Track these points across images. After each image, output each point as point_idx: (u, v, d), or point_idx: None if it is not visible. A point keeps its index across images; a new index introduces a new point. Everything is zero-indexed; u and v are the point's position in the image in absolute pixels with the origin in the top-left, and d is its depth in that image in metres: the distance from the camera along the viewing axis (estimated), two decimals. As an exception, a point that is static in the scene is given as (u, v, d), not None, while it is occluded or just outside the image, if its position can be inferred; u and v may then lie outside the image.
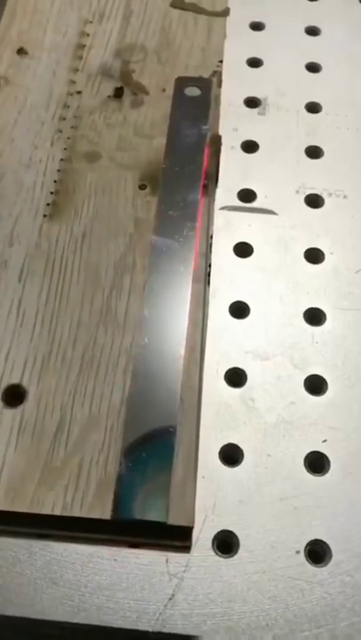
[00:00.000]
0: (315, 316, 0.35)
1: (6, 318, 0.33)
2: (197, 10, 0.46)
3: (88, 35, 0.45)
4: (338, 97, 0.44)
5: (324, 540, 0.29)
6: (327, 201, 0.39)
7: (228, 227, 0.38)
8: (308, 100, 0.44)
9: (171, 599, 0.28)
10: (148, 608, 0.28)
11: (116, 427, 0.30)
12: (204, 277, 0.35)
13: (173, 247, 0.35)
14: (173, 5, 0.46)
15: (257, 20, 0.48)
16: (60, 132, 0.40)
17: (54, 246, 0.36)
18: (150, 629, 0.27)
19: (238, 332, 0.35)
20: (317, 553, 0.29)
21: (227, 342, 0.34)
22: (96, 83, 0.42)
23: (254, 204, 0.39)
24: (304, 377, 0.34)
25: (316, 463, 0.31)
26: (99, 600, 0.28)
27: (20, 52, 0.44)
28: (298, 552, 0.29)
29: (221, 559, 0.29)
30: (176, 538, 0.29)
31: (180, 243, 0.35)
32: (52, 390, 0.31)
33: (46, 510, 0.28)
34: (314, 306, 0.36)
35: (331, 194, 0.40)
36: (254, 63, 0.46)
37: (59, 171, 0.38)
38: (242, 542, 0.29)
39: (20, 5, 0.46)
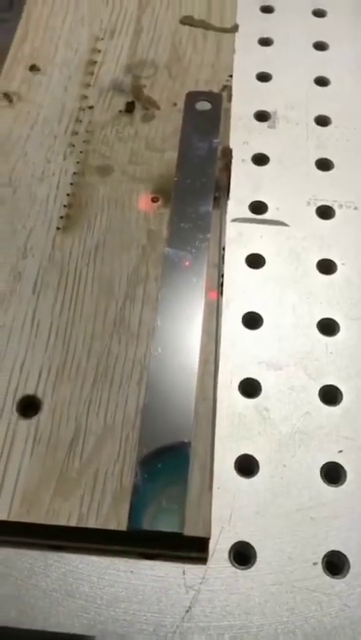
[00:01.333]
0: (328, 327, 0.35)
1: (21, 329, 0.33)
2: (207, 26, 0.47)
3: (99, 51, 0.45)
4: (347, 110, 0.44)
5: (341, 551, 0.29)
6: (338, 212, 0.40)
7: (240, 238, 0.39)
8: (317, 114, 0.44)
9: (188, 611, 0.28)
10: (165, 621, 0.28)
11: (131, 437, 0.30)
12: (217, 288, 0.35)
13: (186, 259, 0.35)
14: (183, 22, 0.47)
15: (265, 35, 0.48)
16: (73, 146, 0.40)
17: (68, 258, 0.36)
18: (167, 642, 0.27)
19: (251, 342, 0.35)
20: (335, 564, 0.29)
21: (240, 353, 0.34)
22: (108, 98, 0.43)
23: (266, 216, 0.39)
24: (318, 387, 0.33)
25: (333, 473, 0.31)
26: (115, 612, 0.28)
27: (33, 68, 0.44)
28: (315, 563, 0.29)
29: (238, 571, 0.29)
30: (192, 549, 0.29)
31: (192, 254, 0.36)
32: (67, 401, 0.31)
33: (62, 521, 0.28)
34: (327, 316, 0.36)
35: (341, 205, 0.40)
36: (263, 78, 0.46)
37: (71, 184, 0.39)
38: (259, 554, 0.29)
39: (33, 23, 0.47)
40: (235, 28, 0.47)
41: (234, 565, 0.29)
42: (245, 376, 0.34)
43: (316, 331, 0.35)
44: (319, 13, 0.50)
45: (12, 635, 0.27)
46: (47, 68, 0.44)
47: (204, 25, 0.47)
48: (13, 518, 0.28)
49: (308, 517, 0.30)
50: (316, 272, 0.37)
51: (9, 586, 0.28)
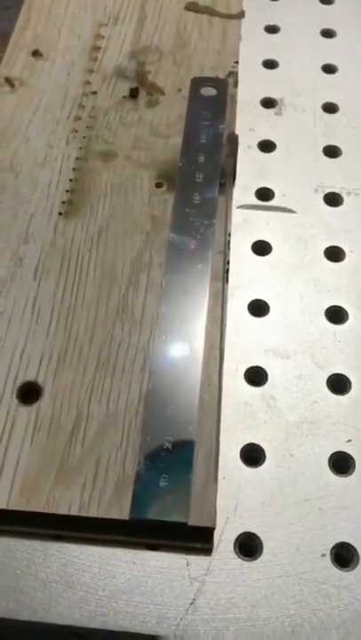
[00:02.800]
0: (336, 315, 0.34)
1: (21, 315, 0.32)
2: (212, 12, 0.46)
3: (103, 37, 0.44)
4: (354, 97, 0.44)
5: (350, 542, 0.28)
6: (346, 199, 0.39)
7: (245, 225, 0.38)
8: (324, 101, 0.43)
9: (192, 604, 0.27)
10: (169, 613, 0.27)
11: (134, 424, 0.29)
12: (222, 275, 0.34)
13: (191, 245, 0.35)
14: (188, 8, 0.46)
15: (272, 23, 0.48)
16: (76, 131, 0.40)
17: (70, 244, 0.35)
18: (171, 635, 0.26)
19: (258, 330, 0.34)
20: (344, 556, 0.28)
21: (246, 341, 0.34)
22: (111, 83, 0.42)
23: (272, 203, 0.39)
24: (326, 376, 0.33)
25: (341, 463, 0.30)
26: (117, 604, 0.27)
27: (35, 54, 0.43)
28: (323, 555, 0.28)
29: (244, 562, 0.28)
30: (197, 540, 0.28)
31: (197, 240, 0.35)
32: (69, 387, 0.30)
33: (62, 510, 0.27)
34: (335, 304, 0.35)
35: (350, 192, 0.39)
36: (270, 65, 0.45)
37: (74, 169, 0.38)
38: (265, 545, 0.28)
39: (35, 9, 0.46)
40: (241, 15, 0.46)
41: (239, 557, 0.28)
42: (252, 364, 0.33)
43: (324, 319, 0.34)
44: (326, 0, 0.49)
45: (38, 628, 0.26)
46: (50, 54, 0.43)
47: (210, 11, 0.46)
48: (13, 507, 0.27)
49: (315, 508, 0.29)
50: (324, 259, 0.36)
51: (8, 576, 0.27)
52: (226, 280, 0.35)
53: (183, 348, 0.32)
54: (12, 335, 0.32)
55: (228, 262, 0.35)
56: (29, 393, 0.30)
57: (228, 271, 0.35)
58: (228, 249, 0.36)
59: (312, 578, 0.27)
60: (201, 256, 0.34)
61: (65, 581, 0.27)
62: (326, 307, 0.35)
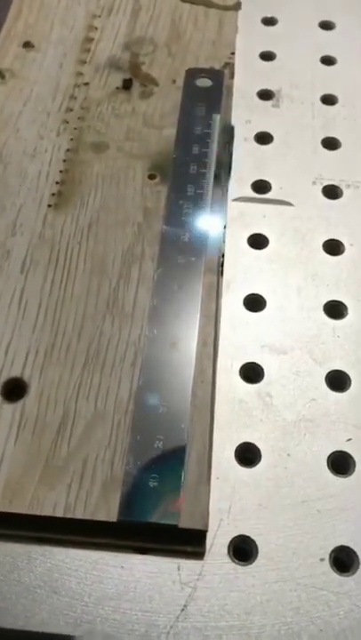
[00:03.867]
0: (335, 309, 0.33)
1: (7, 309, 0.31)
2: (208, 4, 0.45)
3: (96, 28, 0.43)
4: (354, 89, 0.42)
5: (350, 546, 0.27)
6: (345, 192, 0.38)
7: (242, 218, 0.36)
8: (323, 93, 0.42)
9: (183, 610, 0.25)
10: (158, 620, 0.25)
11: (123, 422, 0.28)
12: (217, 268, 0.33)
13: (184, 237, 0.34)
14: (184, 0, 0.45)
15: (269, 15, 0.47)
16: (67, 122, 0.39)
17: (59, 236, 0.34)
18: (160, 644, 0.25)
19: (254, 325, 0.33)
20: (343, 561, 0.27)
21: (241, 336, 0.32)
22: (104, 75, 0.41)
23: (269, 196, 0.37)
24: (325, 372, 0.31)
25: (340, 463, 0.29)
26: (104, 611, 0.25)
27: (27, 45, 0.42)
28: (322, 559, 0.27)
29: (238, 567, 0.26)
30: (189, 543, 0.26)
31: (191, 232, 0.34)
32: (55, 384, 0.29)
33: (47, 511, 0.26)
34: (334, 298, 0.33)
35: (349, 185, 0.38)
36: (267, 56, 0.44)
37: (64, 161, 0.37)
38: (260, 548, 0.27)
39: (27, 1, 0.45)
40: (237, 6, 0.45)
41: (233, 561, 0.26)
42: (247, 360, 0.32)
43: (323, 313, 0.33)
44: (325, -7, 0.48)
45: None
46: (42, 45, 0.42)
47: (206, 3, 0.45)
48: (-5, 508, 0.26)
49: (314, 510, 0.28)
50: (323, 253, 0.35)
51: (-11, 581, 0.26)
52: (221, 274, 0.33)
53: (176, 344, 0.30)
54: (-3, 330, 0.31)
55: (223, 255, 0.34)
56: (14, 389, 0.29)
57: (222, 264, 0.34)
58: (224, 242, 0.35)
59: (310, 583, 0.26)
60: (194, 249, 0.33)
61: (49, 587, 0.26)
62: (325, 301, 0.33)
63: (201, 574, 0.26)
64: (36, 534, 0.26)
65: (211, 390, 0.29)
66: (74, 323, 0.31)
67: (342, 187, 0.38)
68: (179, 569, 0.26)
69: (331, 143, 0.40)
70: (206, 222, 0.34)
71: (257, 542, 0.27)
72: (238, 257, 0.35)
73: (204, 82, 0.40)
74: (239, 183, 0.38)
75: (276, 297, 0.34)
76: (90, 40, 0.43)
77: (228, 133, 0.38)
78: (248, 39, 0.44)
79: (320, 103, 0.42)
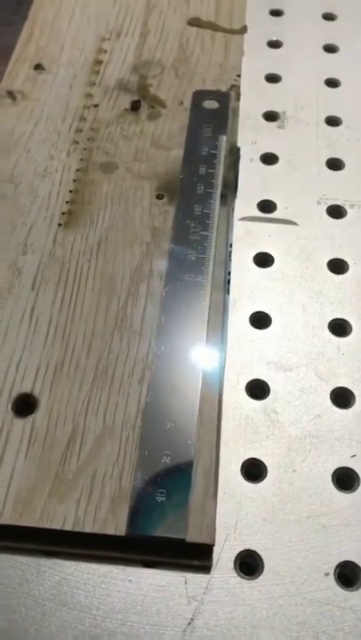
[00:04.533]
0: (340, 327, 0.34)
1: (18, 326, 0.32)
2: (215, 28, 0.46)
3: (105, 51, 0.45)
4: (357, 111, 0.43)
5: (354, 561, 0.27)
6: (349, 212, 0.38)
7: (247, 237, 0.37)
8: (327, 114, 0.43)
9: (190, 624, 0.26)
10: (166, 634, 0.26)
11: (131, 438, 0.29)
12: (223, 286, 0.34)
13: (191, 256, 0.34)
14: (191, 23, 0.46)
15: (274, 38, 0.48)
16: (77, 143, 0.39)
17: (69, 254, 0.34)
18: (168, 657, 0.25)
19: (259, 342, 0.33)
20: (348, 576, 0.27)
21: (248, 353, 0.33)
22: (113, 96, 0.42)
23: (275, 215, 0.38)
24: (330, 389, 0.32)
25: (345, 479, 0.29)
26: (112, 624, 0.26)
27: (38, 67, 0.43)
28: (327, 574, 0.27)
29: (245, 581, 0.27)
30: (195, 557, 0.27)
31: (197, 251, 0.34)
32: (65, 400, 0.30)
33: (56, 525, 0.27)
34: (339, 316, 0.34)
35: (353, 205, 0.39)
36: (273, 79, 0.45)
37: (74, 181, 0.38)
38: (266, 563, 0.27)
39: (38, 24, 0.46)
40: (243, 30, 0.46)
41: (239, 575, 0.27)
42: (253, 377, 0.32)
43: (328, 331, 0.34)
44: (329, 17, 0.49)
45: None
46: (52, 67, 0.43)
47: (212, 26, 0.46)
48: (5, 522, 0.27)
49: (319, 525, 0.28)
50: (327, 272, 0.36)
51: (-1, 594, 0.26)
52: (227, 291, 0.34)
53: (183, 361, 0.31)
54: (8, 346, 0.31)
55: (230, 273, 0.35)
56: (25, 405, 0.30)
57: (229, 282, 0.34)
58: (230, 260, 0.35)
59: (315, 598, 0.26)
60: (201, 267, 0.34)
61: (58, 600, 0.26)
62: (330, 319, 0.34)
63: (208, 588, 0.27)
64: (45, 547, 0.27)
65: (217, 406, 0.30)
66: (83, 339, 0.31)
67: (346, 206, 0.38)
68: (186, 583, 0.27)
69: (335, 164, 0.41)
70: (213, 241, 0.35)
71: (263, 557, 0.27)
72: (244, 275, 0.36)
73: (210, 103, 0.41)
74: (245, 203, 0.38)
75: (282, 315, 0.34)
76: (99, 62, 0.44)
77: (235, 154, 0.39)
78: (254, 62, 0.45)
79: (324, 124, 0.43)
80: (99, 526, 0.26)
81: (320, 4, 0.50)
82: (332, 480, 0.29)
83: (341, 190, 0.39)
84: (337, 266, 0.36)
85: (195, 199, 0.36)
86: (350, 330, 0.34)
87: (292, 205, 0.39)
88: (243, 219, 0.38)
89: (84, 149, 0.39)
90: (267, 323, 0.34)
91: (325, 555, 0.27)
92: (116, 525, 0.26)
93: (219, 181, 0.37)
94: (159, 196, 0.37)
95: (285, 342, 0.33)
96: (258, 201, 0.39)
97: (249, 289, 0.35)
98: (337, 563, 0.27)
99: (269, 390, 0.32)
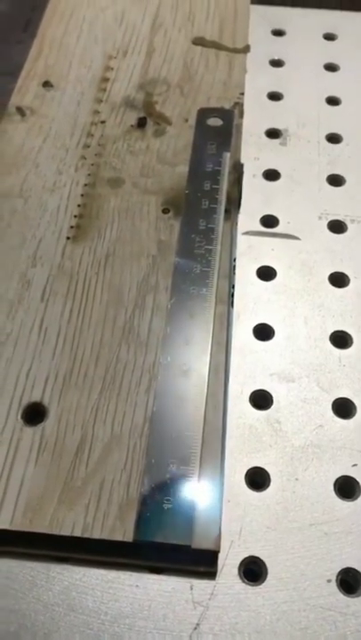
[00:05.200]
0: (341, 339, 0.35)
1: (28, 336, 0.33)
2: (218, 47, 0.47)
3: (112, 69, 0.46)
4: (358, 128, 0.44)
5: (356, 568, 0.28)
6: (350, 227, 0.39)
7: (250, 251, 0.38)
8: (328, 132, 0.44)
9: (195, 629, 0.26)
10: (172, 638, 0.26)
11: (138, 446, 0.29)
12: (227, 299, 0.34)
13: (196, 269, 0.35)
14: (195, 43, 0.48)
15: (276, 57, 0.49)
16: (84, 158, 0.40)
17: (77, 267, 0.35)
18: (174, 660, 0.25)
19: (263, 353, 0.34)
20: (349, 582, 0.28)
21: (251, 364, 0.34)
22: (120, 113, 0.43)
23: (277, 230, 0.39)
24: (332, 400, 0.33)
25: (347, 488, 0.30)
26: (119, 629, 0.26)
27: (46, 84, 0.44)
28: (329, 581, 0.28)
29: (249, 587, 0.27)
30: (201, 563, 0.27)
31: (202, 265, 0.35)
32: (74, 408, 0.30)
33: (66, 531, 0.27)
34: (340, 329, 0.35)
35: (353, 220, 0.40)
36: (275, 97, 0.46)
37: (82, 195, 0.39)
38: (270, 569, 0.28)
39: (47, 42, 0.47)
40: (246, 49, 0.47)
41: (244, 581, 0.28)
42: (256, 387, 0.33)
43: (329, 343, 0.34)
44: (330, 37, 0.51)
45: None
46: (60, 84, 0.45)
47: (216, 45, 0.47)
48: (16, 527, 0.27)
49: (321, 532, 0.29)
50: (329, 285, 0.37)
51: (9, 599, 0.27)
52: (231, 304, 0.35)
53: (188, 371, 0.32)
54: (18, 356, 0.32)
55: (234, 286, 0.36)
56: (34, 414, 0.30)
57: (233, 295, 0.35)
58: (234, 274, 0.36)
59: (318, 604, 0.27)
60: (206, 280, 0.35)
61: (67, 604, 0.27)
62: (331, 331, 0.35)
63: (213, 594, 0.27)
64: (54, 553, 0.28)
65: (222, 416, 0.31)
66: (91, 349, 0.32)
67: (347, 222, 0.39)
68: (191, 588, 0.27)
69: (336, 180, 0.42)
70: (217, 255, 0.36)
71: (267, 563, 0.28)
72: (248, 288, 0.36)
73: (215, 121, 0.42)
74: (248, 218, 0.39)
75: (285, 327, 0.35)
76: (106, 80, 0.45)
77: (238, 170, 0.40)
78: (256, 80, 0.47)
79: (325, 142, 0.44)
80: (107, 532, 0.27)
81: (321, 24, 0.51)
82: (334, 489, 0.30)
83: (342, 206, 0.40)
84: (338, 279, 0.37)
85: (200, 214, 0.37)
86: (351, 342, 0.34)
87: (294, 220, 0.40)
88: (246, 233, 0.39)
89: (92, 165, 0.40)
90: (270, 335, 0.35)
91: (328, 562, 0.28)
92: (124, 532, 0.27)
93: (223, 197, 0.38)
94: (165, 211, 0.38)
95: (288, 354, 0.34)
96: (261, 216, 0.40)
97: (252, 302, 0.36)
98: (339, 569, 0.28)
99: (273, 400, 0.32)
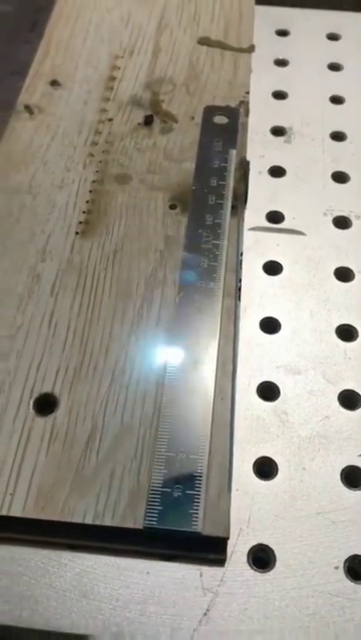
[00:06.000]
0: (346, 332, 0.35)
1: (38, 329, 0.33)
2: (224, 46, 0.48)
3: (119, 68, 0.46)
4: (362, 127, 0.45)
5: (363, 556, 0.28)
6: (354, 223, 0.40)
7: (257, 246, 0.39)
8: (332, 130, 0.45)
9: (205, 615, 0.27)
10: (182, 624, 0.27)
11: (148, 435, 0.30)
12: (235, 293, 0.35)
13: (203, 264, 0.36)
14: (201, 43, 0.48)
15: (281, 57, 0.49)
16: (92, 155, 0.41)
17: (86, 262, 0.36)
18: (185, 645, 0.26)
19: (269, 346, 0.35)
20: (356, 569, 0.28)
21: (258, 357, 0.34)
22: (126, 111, 0.44)
23: (283, 225, 0.40)
24: (338, 392, 0.33)
25: (353, 477, 0.30)
26: (130, 614, 0.27)
27: (54, 83, 0.45)
28: (337, 568, 0.28)
29: (258, 574, 0.28)
30: (211, 550, 0.28)
31: (209, 259, 0.36)
32: (84, 399, 0.31)
33: (77, 519, 0.28)
34: (345, 322, 0.35)
35: (358, 216, 0.40)
36: (279, 96, 0.47)
37: (90, 192, 0.39)
38: (278, 557, 0.28)
39: (54, 42, 0.48)
40: (251, 49, 0.48)
41: (253, 568, 0.28)
42: (264, 380, 0.33)
43: (335, 336, 0.35)
44: (334, 37, 0.51)
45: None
46: (67, 84, 0.45)
47: (222, 45, 0.48)
48: (28, 515, 0.28)
49: (328, 521, 0.29)
50: (334, 279, 0.37)
51: (22, 585, 0.27)
52: (238, 298, 0.35)
53: (197, 363, 0.32)
54: (29, 349, 0.32)
55: (240, 281, 0.36)
56: (46, 404, 0.31)
57: (240, 289, 0.36)
58: (240, 268, 0.37)
59: (326, 590, 0.27)
60: (213, 275, 0.35)
61: (79, 591, 0.27)
62: (336, 325, 0.35)
63: (222, 580, 0.28)
64: (66, 541, 0.28)
65: (230, 407, 0.31)
66: (101, 343, 0.33)
67: (352, 217, 0.40)
68: (201, 575, 0.28)
69: (340, 177, 0.42)
70: (224, 250, 0.36)
71: (275, 551, 0.28)
72: (254, 282, 0.37)
73: (220, 119, 0.43)
74: (254, 214, 0.40)
75: (291, 320, 0.36)
76: (113, 79, 0.46)
77: (244, 167, 0.40)
78: (261, 79, 0.47)
79: (330, 139, 0.44)
80: (118, 520, 0.28)
81: (325, 24, 0.52)
82: (341, 478, 0.30)
83: (347, 202, 0.41)
84: (343, 274, 0.37)
85: (206, 209, 0.38)
86: (356, 335, 0.35)
87: (299, 216, 0.40)
88: (252, 229, 0.39)
89: (100, 162, 0.41)
90: (276, 328, 0.35)
91: (335, 549, 0.28)
92: (135, 519, 0.28)
93: (229, 193, 0.39)
94: (172, 207, 0.38)
95: (294, 347, 0.35)
96: (266, 212, 0.40)
97: (259, 296, 0.36)
98: (346, 557, 0.28)
99: (279, 392, 0.33)
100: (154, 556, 0.28)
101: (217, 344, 0.33)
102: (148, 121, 0.43)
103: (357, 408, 0.33)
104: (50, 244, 0.37)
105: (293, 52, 0.50)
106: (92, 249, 0.36)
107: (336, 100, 0.47)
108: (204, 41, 0.48)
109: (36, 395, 0.31)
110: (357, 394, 0.33)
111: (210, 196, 0.38)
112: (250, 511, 0.29)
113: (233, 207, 0.38)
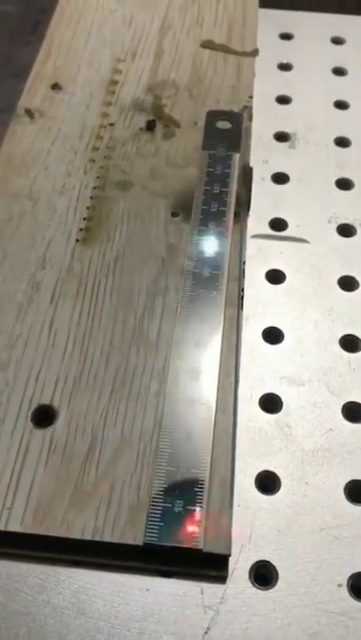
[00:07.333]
0: (351, 343, 0.35)
1: (38, 338, 0.33)
2: (227, 50, 0.47)
3: (121, 71, 0.46)
4: (367, 132, 0.44)
5: (367, 573, 0.28)
6: (359, 230, 0.39)
7: (259, 254, 0.38)
8: (336, 135, 0.44)
9: (206, 633, 0.26)
10: (182, 642, 0.26)
11: (148, 449, 0.29)
12: (237, 301, 0.34)
13: (205, 272, 0.35)
14: (204, 46, 0.48)
15: (285, 61, 0.49)
16: (93, 161, 0.40)
17: (87, 270, 0.35)
18: (185, 665, 0.25)
19: (272, 357, 0.34)
20: (360, 587, 0.28)
21: (261, 367, 0.34)
22: (128, 116, 0.43)
23: (286, 233, 0.39)
24: (342, 404, 0.32)
25: (357, 492, 0.30)
26: (130, 633, 0.26)
27: (55, 86, 0.45)
28: (340, 585, 0.27)
29: (259, 591, 0.27)
30: (212, 567, 0.27)
31: (212, 267, 0.35)
32: (83, 411, 0.30)
33: (76, 534, 0.27)
34: (349, 332, 0.35)
35: (363, 224, 0.40)
36: (283, 100, 0.46)
37: (92, 198, 0.39)
38: (281, 574, 0.28)
39: (55, 44, 0.47)
40: (255, 52, 0.47)
41: (254, 585, 0.27)
42: (266, 391, 0.33)
43: (339, 347, 0.34)
44: (338, 41, 0.51)
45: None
46: (69, 87, 0.45)
47: (225, 49, 0.47)
48: (26, 530, 0.27)
49: (332, 537, 0.29)
50: (338, 288, 0.37)
51: (19, 602, 0.27)
52: (241, 307, 0.35)
53: (198, 374, 0.32)
54: (27, 358, 0.32)
55: (243, 289, 0.35)
56: (44, 416, 0.30)
57: (242, 298, 0.35)
58: (243, 277, 0.36)
59: (329, 609, 0.27)
60: (215, 283, 0.35)
61: (77, 608, 0.27)
62: (340, 335, 0.35)
63: (223, 598, 0.27)
64: (64, 556, 0.27)
65: (232, 419, 0.31)
66: (101, 352, 0.32)
67: (356, 225, 0.39)
68: (202, 592, 0.27)
69: (345, 183, 0.42)
70: (226, 258, 0.36)
71: (277, 567, 0.28)
72: (257, 291, 0.36)
73: (223, 124, 0.42)
74: (257, 221, 0.39)
75: (294, 330, 0.35)
76: (115, 83, 0.45)
77: (247, 173, 0.40)
78: (265, 84, 0.47)
79: (334, 145, 0.44)
80: (118, 536, 0.27)
81: (328, 28, 0.51)
82: (345, 493, 0.30)
83: (351, 209, 0.40)
84: (347, 283, 0.37)
85: (209, 217, 0.37)
86: (361, 346, 0.34)
87: (303, 224, 0.40)
88: (255, 236, 0.39)
89: (101, 167, 0.40)
90: (279, 338, 0.35)
91: (338, 566, 0.28)
92: (135, 535, 0.27)
93: (232, 199, 0.38)
94: (174, 214, 0.38)
95: (298, 357, 0.34)
96: (270, 219, 0.40)
97: (262, 305, 0.36)
98: (350, 574, 0.28)
99: (282, 404, 0.32)
100: (154, 572, 0.27)
101: (219, 354, 0.32)
102: (150, 126, 0.42)
103: (362, 421, 0.32)
104: (50, 250, 0.36)
105: (297, 55, 0.49)
106: (93, 256, 0.36)
107: (340, 104, 0.46)
108: (208, 44, 0.48)
109: (34, 406, 0.30)
110: (362, 406, 0.32)
111: (212, 203, 0.38)
112: (252, 527, 0.29)
113: (236, 214, 0.38)
